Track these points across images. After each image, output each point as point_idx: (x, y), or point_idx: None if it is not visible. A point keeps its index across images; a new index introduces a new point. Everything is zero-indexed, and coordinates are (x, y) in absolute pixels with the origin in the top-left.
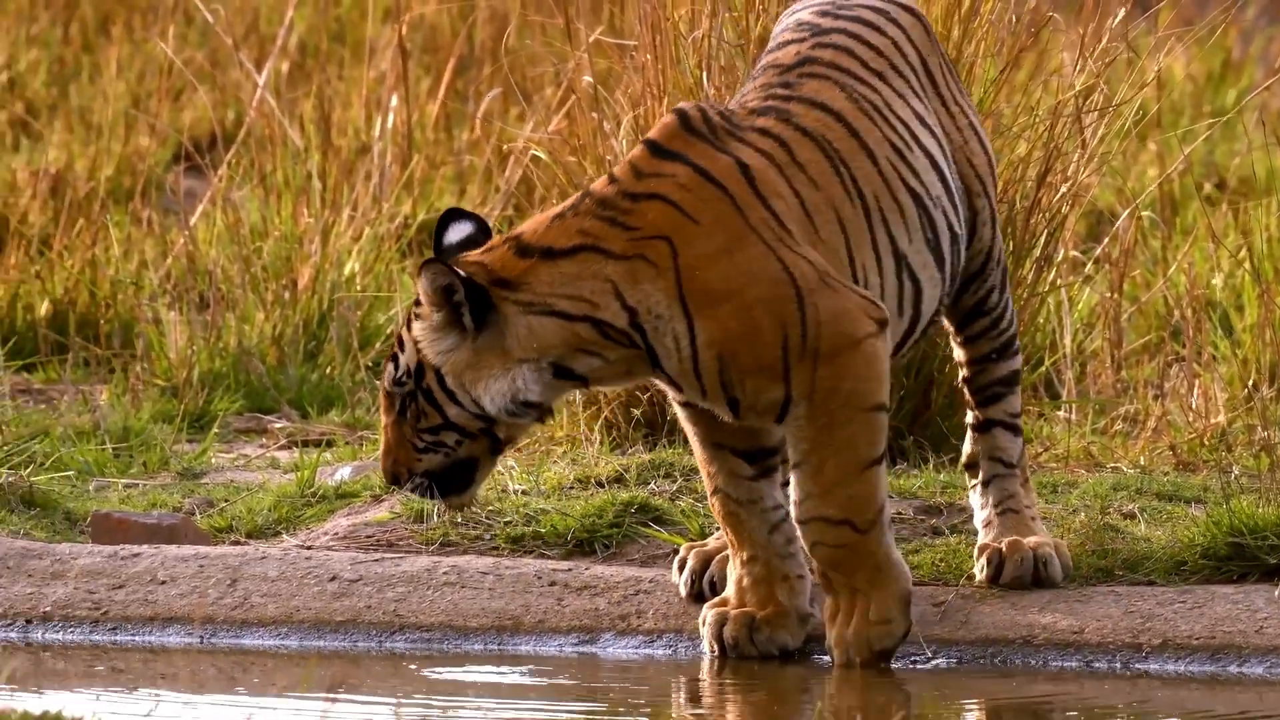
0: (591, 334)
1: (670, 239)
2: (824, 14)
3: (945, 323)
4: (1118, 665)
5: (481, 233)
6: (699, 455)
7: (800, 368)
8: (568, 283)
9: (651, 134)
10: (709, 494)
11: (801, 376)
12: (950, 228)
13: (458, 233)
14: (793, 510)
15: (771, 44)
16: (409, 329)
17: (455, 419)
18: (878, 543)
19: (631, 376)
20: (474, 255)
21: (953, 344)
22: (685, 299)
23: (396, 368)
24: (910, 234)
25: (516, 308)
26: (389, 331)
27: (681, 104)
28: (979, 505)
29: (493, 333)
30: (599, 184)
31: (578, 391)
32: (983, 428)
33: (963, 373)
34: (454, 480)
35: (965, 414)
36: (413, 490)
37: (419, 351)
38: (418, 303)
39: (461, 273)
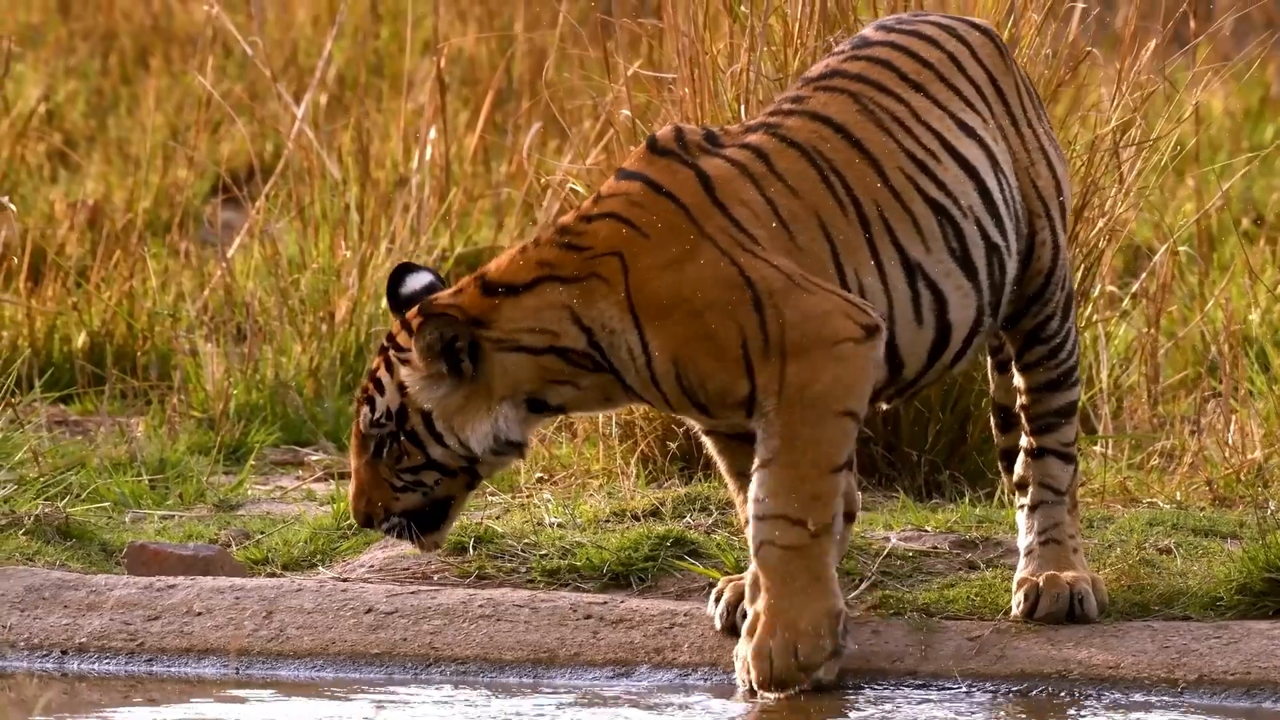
0: (558, 364)
1: (621, 254)
2: (881, 27)
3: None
4: (1153, 700)
5: (440, 282)
6: (729, 486)
7: (766, 364)
8: (530, 316)
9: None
10: (742, 525)
11: (768, 373)
12: (986, 238)
13: (418, 281)
14: (751, 507)
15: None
16: (390, 372)
17: (439, 458)
18: (824, 550)
19: (610, 403)
20: (445, 298)
21: (1013, 369)
22: (635, 311)
23: (374, 409)
24: (927, 243)
25: (490, 345)
26: None
27: (659, 129)
28: (1024, 529)
29: (479, 373)
30: (565, 216)
31: (613, 425)
32: (1035, 454)
33: (1020, 400)
34: (430, 519)
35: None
36: (388, 530)
37: (404, 394)
38: (399, 347)
39: (460, 317)
